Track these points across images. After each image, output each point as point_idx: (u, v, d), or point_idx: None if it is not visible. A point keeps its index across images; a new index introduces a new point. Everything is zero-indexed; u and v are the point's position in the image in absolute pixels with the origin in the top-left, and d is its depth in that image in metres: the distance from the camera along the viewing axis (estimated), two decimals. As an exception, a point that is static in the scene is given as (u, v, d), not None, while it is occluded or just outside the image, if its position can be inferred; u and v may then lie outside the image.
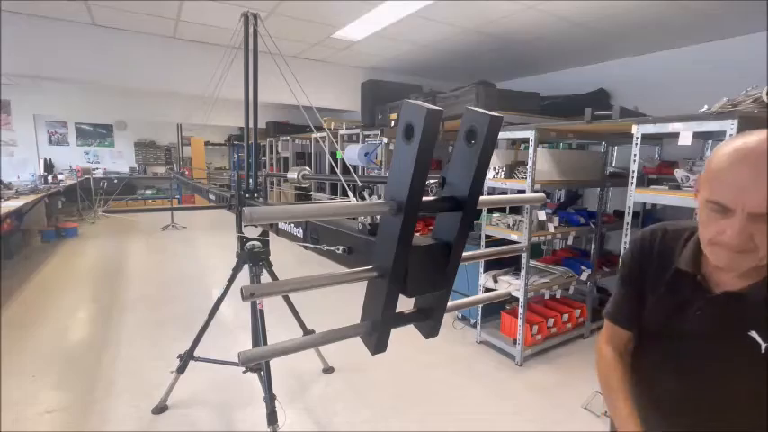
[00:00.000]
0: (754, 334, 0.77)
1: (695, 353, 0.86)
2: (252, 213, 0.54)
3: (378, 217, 0.78)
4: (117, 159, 10.82)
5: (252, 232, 2.25)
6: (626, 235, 2.52)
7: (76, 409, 2.46)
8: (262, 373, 2.19)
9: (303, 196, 6.17)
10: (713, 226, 0.75)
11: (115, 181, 10.05)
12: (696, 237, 0.87)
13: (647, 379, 0.98)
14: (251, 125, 2.24)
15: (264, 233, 2.27)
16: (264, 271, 2.33)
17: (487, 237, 3.31)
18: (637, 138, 2.36)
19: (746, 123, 1.98)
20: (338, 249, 0.87)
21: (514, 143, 4.26)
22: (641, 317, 0.97)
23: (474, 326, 3.50)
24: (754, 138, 0.71)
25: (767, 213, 0.68)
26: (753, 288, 0.79)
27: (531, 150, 2.88)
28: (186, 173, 7.71)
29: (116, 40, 4.64)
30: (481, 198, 0.71)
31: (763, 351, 0.76)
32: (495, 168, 3.23)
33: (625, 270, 1.02)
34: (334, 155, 5.30)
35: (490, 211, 3.36)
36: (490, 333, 3.41)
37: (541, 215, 3.08)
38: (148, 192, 11.00)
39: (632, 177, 2.40)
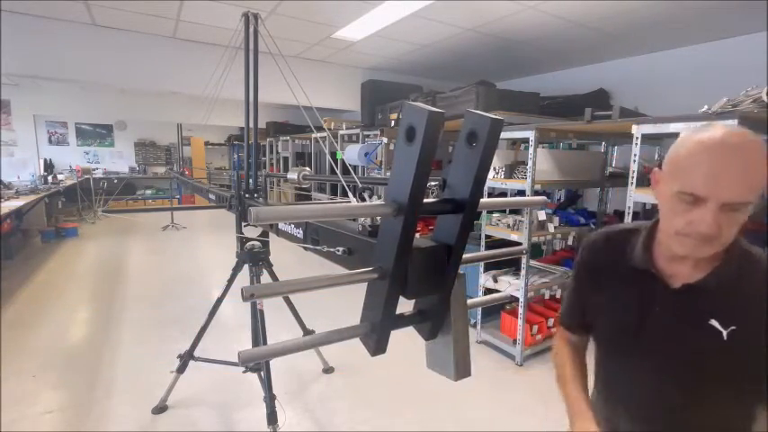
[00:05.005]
0: (714, 322, 0.78)
1: (662, 347, 0.85)
2: (258, 213, 0.53)
3: (378, 218, 0.78)
4: (117, 159, 10.80)
5: (252, 232, 2.25)
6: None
7: (76, 409, 2.46)
8: (262, 373, 2.19)
9: (303, 196, 6.17)
10: (683, 217, 0.74)
11: (115, 181, 10.04)
12: (643, 235, 0.89)
13: (612, 379, 0.98)
14: (251, 125, 2.24)
15: (264, 233, 2.27)
16: (264, 271, 2.33)
17: (487, 236, 3.31)
18: (637, 138, 2.36)
19: (746, 123, 1.98)
20: (338, 251, 0.87)
21: (514, 143, 4.26)
22: (595, 322, 0.98)
23: (474, 326, 3.50)
24: (718, 130, 0.72)
25: (739, 203, 0.69)
26: (708, 278, 0.80)
27: (531, 150, 2.87)
28: (186, 173, 7.70)
29: (116, 40, 4.63)
30: (482, 200, 0.71)
31: (724, 338, 0.77)
32: (495, 168, 3.23)
33: (576, 278, 1.04)
34: (334, 155, 5.30)
35: (490, 210, 3.36)
36: (490, 333, 3.41)
37: (541, 215, 3.08)
38: (148, 192, 10.98)
39: (632, 177, 2.40)
